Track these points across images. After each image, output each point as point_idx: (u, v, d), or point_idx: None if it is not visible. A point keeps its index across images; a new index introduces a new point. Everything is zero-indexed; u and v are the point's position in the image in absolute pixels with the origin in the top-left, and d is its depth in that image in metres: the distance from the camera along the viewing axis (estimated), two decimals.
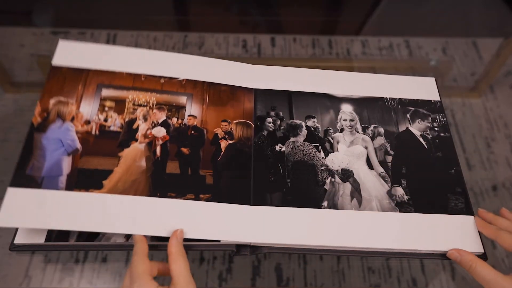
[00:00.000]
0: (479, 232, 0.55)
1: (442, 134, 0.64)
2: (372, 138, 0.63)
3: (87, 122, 0.60)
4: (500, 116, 0.79)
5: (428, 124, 0.65)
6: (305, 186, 0.58)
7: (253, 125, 0.63)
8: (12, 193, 0.53)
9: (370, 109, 0.66)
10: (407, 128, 0.65)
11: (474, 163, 0.74)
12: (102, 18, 0.93)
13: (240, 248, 0.56)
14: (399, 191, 0.59)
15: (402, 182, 0.59)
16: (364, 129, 0.64)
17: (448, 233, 0.55)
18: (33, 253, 0.60)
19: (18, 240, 0.55)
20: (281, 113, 0.65)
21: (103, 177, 0.56)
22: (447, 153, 0.63)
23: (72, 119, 0.59)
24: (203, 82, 0.66)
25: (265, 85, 0.67)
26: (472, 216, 0.57)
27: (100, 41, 0.88)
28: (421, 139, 0.64)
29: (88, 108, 0.61)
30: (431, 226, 0.56)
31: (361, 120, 0.65)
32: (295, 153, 0.61)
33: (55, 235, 0.55)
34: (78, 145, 0.58)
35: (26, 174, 0.54)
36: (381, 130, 0.64)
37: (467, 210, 0.58)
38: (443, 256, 0.56)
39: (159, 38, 0.89)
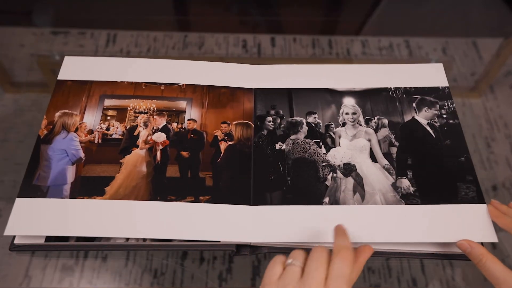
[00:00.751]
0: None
1: (450, 121, 0.62)
2: (376, 130, 0.62)
3: (90, 131, 0.62)
4: (500, 116, 0.79)
5: (436, 112, 0.63)
6: (305, 183, 0.58)
7: (253, 125, 0.63)
8: (20, 203, 0.55)
9: (373, 101, 0.65)
10: (413, 117, 0.63)
11: (474, 163, 0.73)
12: (102, 18, 0.93)
13: (240, 248, 0.56)
14: (405, 182, 0.57)
15: (408, 173, 0.58)
16: (367, 122, 0.63)
17: (459, 223, 0.54)
18: (33, 253, 0.60)
19: (18, 240, 0.55)
20: (281, 111, 0.64)
21: (105, 183, 0.57)
22: (456, 140, 0.61)
23: (76, 130, 0.62)
24: (203, 86, 0.67)
25: (265, 84, 0.67)
26: (485, 205, 0.55)
27: (100, 41, 0.88)
28: (428, 128, 0.62)
29: (91, 118, 0.63)
30: (439, 217, 0.54)
31: (364, 112, 0.64)
32: (295, 150, 0.60)
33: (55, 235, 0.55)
34: (82, 154, 0.60)
35: (33, 184, 0.57)
36: (385, 121, 0.63)
37: (478, 198, 0.56)
38: (443, 256, 0.56)
39: (159, 38, 0.89)
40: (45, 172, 0.58)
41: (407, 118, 0.63)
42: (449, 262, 0.61)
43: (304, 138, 0.62)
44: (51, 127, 0.62)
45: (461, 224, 0.54)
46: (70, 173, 0.58)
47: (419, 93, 0.65)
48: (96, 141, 0.62)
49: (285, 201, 0.56)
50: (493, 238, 0.53)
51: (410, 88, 0.66)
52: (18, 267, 0.59)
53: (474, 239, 0.52)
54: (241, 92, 0.66)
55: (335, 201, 0.56)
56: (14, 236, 0.55)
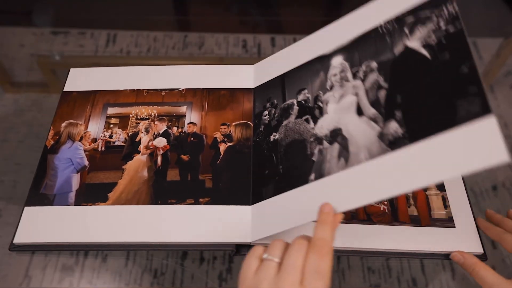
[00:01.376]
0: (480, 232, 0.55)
1: (451, 30, 0.48)
2: (364, 79, 0.54)
3: (94, 140, 0.64)
4: (500, 116, 0.79)
5: (432, 26, 0.50)
6: (294, 166, 0.55)
7: (253, 125, 0.63)
8: (28, 211, 0.57)
9: (361, 49, 0.56)
10: (405, 46, 0.52)
11: None
12: (102, 18, 0.93)
13: (240, 248, 0.56)
14: (392, 127, 0.48)
15: (397, 114, 0.48)
16: (355, 75, 0.55)
17: (460, 152, 0.41)
18: (33, 253, 0.60)
19: (18, 240, 0.55)
20: (275, 101, 0.62)
21: (108, 190, 0.59)
22: (457, 49, 0.46)
23: (81, 139, 0.63)
24: (203, 89, 0.67)
25: (262, 80, 0.66)
26: (493, 118, 0.40)
27: (100, 41, 0.88)
28: (422, 51, 0.50)
29: (95, 127, 0.65)
30: (434, 152, 0.43)
31: (352, 65, 0.56)
32: (287, 135, 0.58)
33: None
34: (86, 162, 0.61)
35: (40, 193, 0.58)
36: (374, 65, 0.54)
37: (484, 111, 0.41)
38: (443, 256, 0.56)
39: (159, 38, 0.89)
40: (52, 181, 0.59)
41: (399, 50, 0.52)
42: (449, 262, 0.61)
43: (295, 119, 0.59)
44: (57, 137, 0.63)
45: (463, 151, 0.41)
46: (75, 181, 0.60)
47: (412, 13, 0.52)
48: (99, 149, 0.63)
49: (277, 191, 0.54)
50: (504, 157, 0.39)
51: (402, 14, 0.53)
52: (18, 267, 0.59)
53: (481, 164, 0.40)
54: (240, 92, 0.66)
55: (320, 175, 0.51)
56: (14, 236, 0.55)
